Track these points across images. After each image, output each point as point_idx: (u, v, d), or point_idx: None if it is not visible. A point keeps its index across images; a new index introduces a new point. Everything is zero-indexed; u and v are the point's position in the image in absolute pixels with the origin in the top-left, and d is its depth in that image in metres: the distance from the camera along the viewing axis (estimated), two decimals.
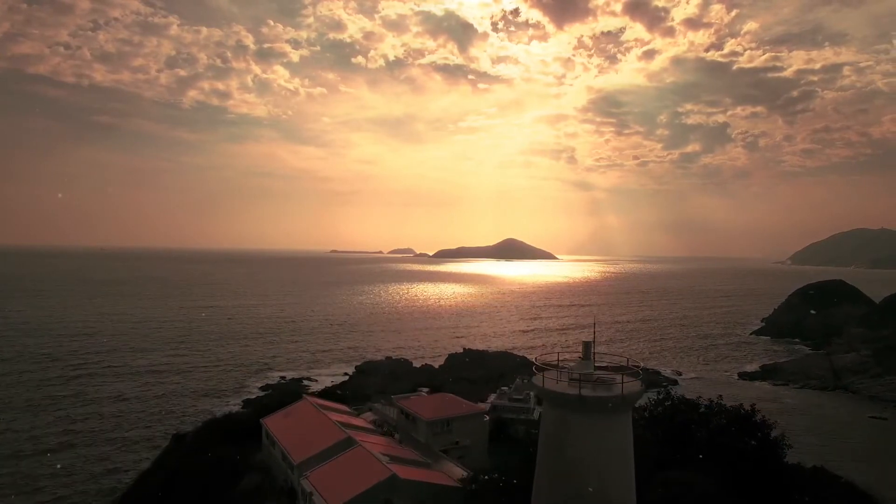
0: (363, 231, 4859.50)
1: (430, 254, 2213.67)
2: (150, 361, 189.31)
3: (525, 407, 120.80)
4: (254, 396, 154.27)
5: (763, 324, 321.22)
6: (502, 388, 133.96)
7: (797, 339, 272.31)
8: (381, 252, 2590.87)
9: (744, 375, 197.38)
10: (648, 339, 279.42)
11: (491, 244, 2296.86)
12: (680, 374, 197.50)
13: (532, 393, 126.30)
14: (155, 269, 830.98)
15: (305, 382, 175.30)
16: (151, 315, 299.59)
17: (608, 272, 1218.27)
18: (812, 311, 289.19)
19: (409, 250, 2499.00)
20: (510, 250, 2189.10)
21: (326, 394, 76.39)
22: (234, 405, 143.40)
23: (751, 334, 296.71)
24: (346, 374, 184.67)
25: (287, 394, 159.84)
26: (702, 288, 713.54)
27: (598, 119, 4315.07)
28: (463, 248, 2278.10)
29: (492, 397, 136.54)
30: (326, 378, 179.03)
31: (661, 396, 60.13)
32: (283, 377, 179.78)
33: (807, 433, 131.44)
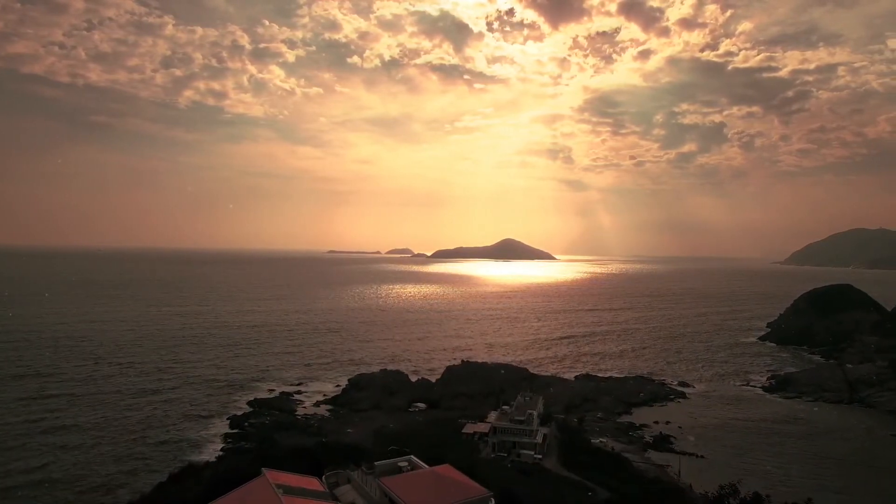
0: (361, 231, 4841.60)
1: (429, 254, 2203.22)
2: (136, 374, 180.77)
3: (528, 429, 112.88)
4: (240, 413, 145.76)
5: (768, 328, 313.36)
6: (503, 406, 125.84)
7: (805, 346, 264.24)
8: (379, 252, 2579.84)
9: (754, 387, 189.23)
10: (652, 345, 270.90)
11: (489, 244, 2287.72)
12: (687, 385, 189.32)
13: (535, 413, 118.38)
14: (151, 271, 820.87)
15: (296, 396, 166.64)
16: (142, 322, 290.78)
17: (607, 273, 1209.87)
18: (819, 317, 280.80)
19: (407, 250, 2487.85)
20: (508, 250, 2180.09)
21: (304, 445, 66.14)
22: (216, 429, 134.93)
23: (757, 340, 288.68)
24: (338, 385, 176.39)
25: (273, 408, 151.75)
26: (703, 289, 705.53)
27: (595, 119, 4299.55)
28: (461, 248, 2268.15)
29: (492, 416, 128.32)
30: (318, 392, 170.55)
31: (725, 491, 50.19)
32: (272, 391, 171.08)
33: (827, 459, 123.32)
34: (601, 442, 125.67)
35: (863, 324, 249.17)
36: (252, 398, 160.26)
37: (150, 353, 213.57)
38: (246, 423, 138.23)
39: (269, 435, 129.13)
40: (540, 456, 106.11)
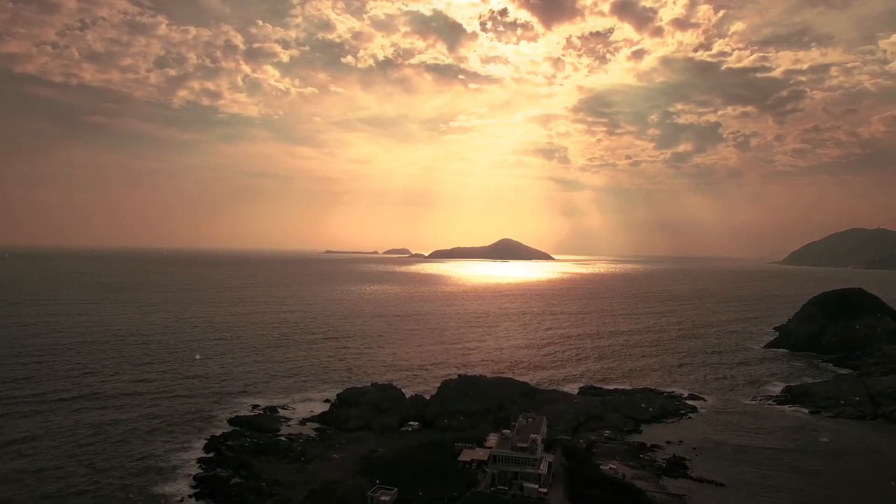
0: (359, 231, 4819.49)
1: (426, 254, 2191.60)
2: (113, 389, 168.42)
3: (531, 458, 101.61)
4: (219, 434, 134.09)
5: (777, 333, 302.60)
6: (504, 430, 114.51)
7: (816, 354, 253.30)
8: (376, 252, 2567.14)
9: (769, 400, 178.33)
10: (656, 352, 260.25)
11: (486, 244, 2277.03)
12: (698, 398, 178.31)
13: (538, 438, 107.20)
14: (146, 272, 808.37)
15: (281, 412, 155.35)
16: (129, 328, 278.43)
17: (606, 273, 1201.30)
18: (830, 323, 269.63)
19: (404, 250, 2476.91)
20: (506, 250, 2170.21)
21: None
22: (191, 453, 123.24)
23: (765, 347, 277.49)
24: (327, 400, 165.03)
25: (255, 427, 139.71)
26: (703, 290, 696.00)
27: (590, 119, 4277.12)
28: (458, 248, 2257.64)
29: (491, 439, 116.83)
30: (304, 408, 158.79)
31: None
32: (256, 406, 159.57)
33: (862, 492, 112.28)
34: (611, 468, 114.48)
35: (877, 330, 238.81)
36: (234, 415, 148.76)
37: (128, 364, 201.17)
38: (223, 446, 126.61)
39: (247, 461, 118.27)
40: (545, 490, 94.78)
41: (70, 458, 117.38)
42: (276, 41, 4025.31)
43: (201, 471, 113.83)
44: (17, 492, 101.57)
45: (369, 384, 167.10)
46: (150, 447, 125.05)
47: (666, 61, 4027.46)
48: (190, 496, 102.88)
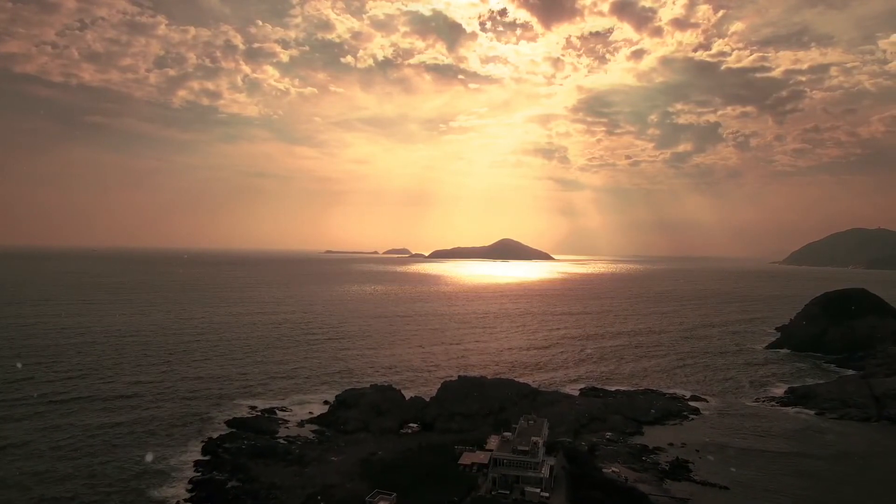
0: (359, 231, 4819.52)
1: (426, 254, 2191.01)
2: (109, 392, 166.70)
3: (533, 461, 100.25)
4: (216, 436, 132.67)
5: (779, 334, 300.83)
6: (505, 432, 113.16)
7: (819, 354, 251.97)
8: (376, 252, 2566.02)
9: (772, 401, 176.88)
10: (658, 353, 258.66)
11: (486, 244, 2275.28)
12: (700, 399, 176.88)
13: (540, 441, 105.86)
14: (145, 272, 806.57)
15: (279, 413, 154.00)
16: (129, 329, 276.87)
17: (606, 273, 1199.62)
18: (833, 323, 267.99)
19: (404, 250, 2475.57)
20: (506, 250, 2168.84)
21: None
22: (188, 455, 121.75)
23: (767, 348, 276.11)
24: (326, 402, 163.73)
25: (253, 429, 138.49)
26: (704, 290, 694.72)
27: (590, 119, 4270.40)
28: (458, 248, 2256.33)
29: (492, 441, 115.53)
30: (303, 409, 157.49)
31: None
32: (254, 407, 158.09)
33: (862, 491, 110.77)
34: (613, 471, 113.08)
35: (879, 331, 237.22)
36: (232, 417, 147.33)
37: (126, 366, 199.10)
38: (220, 449, 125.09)
39: (244, 464, 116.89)
40: (547, 494, 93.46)
41: (67, 460, 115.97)
42: (276, 41, 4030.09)
43: (198, 474, 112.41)
44: (14, 495, 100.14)
45: (368, 385, 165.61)
46: (148, 450, 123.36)
47: (665, 61, 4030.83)
48: (186, 500, 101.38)
